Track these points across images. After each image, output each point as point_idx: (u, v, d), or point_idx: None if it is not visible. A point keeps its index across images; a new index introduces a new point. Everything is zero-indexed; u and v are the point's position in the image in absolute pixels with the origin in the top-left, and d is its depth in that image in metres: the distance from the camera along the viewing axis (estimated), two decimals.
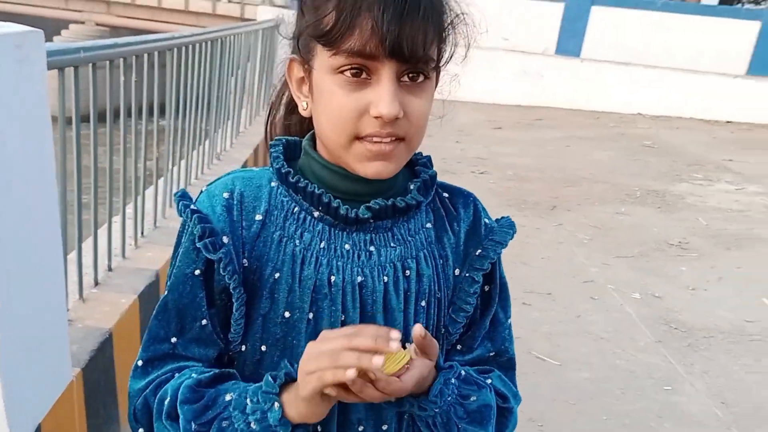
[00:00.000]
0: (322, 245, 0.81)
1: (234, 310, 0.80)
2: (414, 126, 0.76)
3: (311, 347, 0.72)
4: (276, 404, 0.73)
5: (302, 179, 0.81)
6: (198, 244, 0.78)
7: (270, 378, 0.75)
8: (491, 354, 0.91)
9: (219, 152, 4.15)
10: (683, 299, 3.93)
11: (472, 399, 0.82)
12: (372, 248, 0.82)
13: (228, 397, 0.77)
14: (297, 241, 0.81)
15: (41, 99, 1.44)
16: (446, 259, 0.87)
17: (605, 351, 3.27)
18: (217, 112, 3.99)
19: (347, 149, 0.76)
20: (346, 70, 0.73)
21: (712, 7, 12.29)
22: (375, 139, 0.74)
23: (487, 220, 0.90)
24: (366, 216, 0.80)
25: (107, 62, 2.22)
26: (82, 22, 19.09)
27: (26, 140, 1.40)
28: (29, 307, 1.50)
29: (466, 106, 9.70)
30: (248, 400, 0.75)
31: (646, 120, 10.38)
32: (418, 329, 0.73)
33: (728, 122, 10.21)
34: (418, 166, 0.88)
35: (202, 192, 0.85)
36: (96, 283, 2.27)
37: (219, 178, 0.86)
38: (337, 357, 0.68)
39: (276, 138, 0.88)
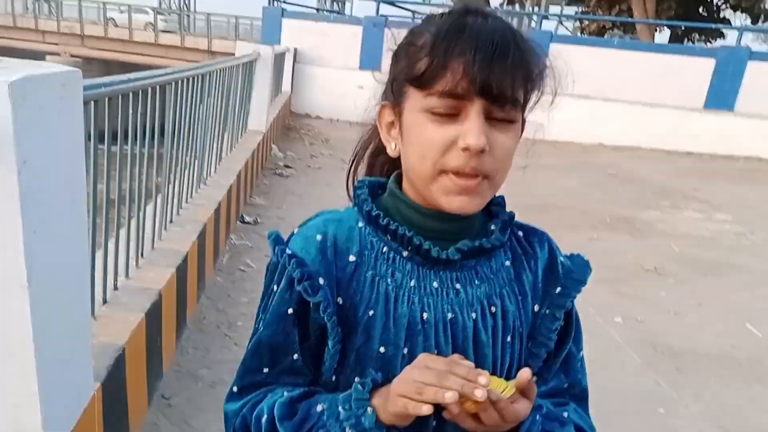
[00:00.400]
0: (412, 283, 0.84)
1: (330, 347, 0.83)
2: (498, 163, 0.78)
3: (408, 371, 0.77)
4: (369, 409, 0.77)
5: (392, 222, 0.85)
6: (297, 288, 0.81)
7: (359, 386, 0.79)
8: (565, 386, 0.93)
9: (205, 177, 4.14)
10: (667, 323, 3.97)
11: None
12: (458, 286, 0.86)
13: (320, 408, 0.82)
14: (389, 280, 0.84)
15: (79, 132, 1.53)
16: (525, 296, 0.89)
17: (595, 374, 3.24)
18: (203, 140, 3.99)
19: (433, 182, 0.79)
20: (437, 110, 0.77)
21: (670, 45, 12.84)
22: (461, 175, 0.77)
23: (562, 259, 0.93)
24: (455, 257, 0.84)
25: (119, 96, 2.28)
26: (58, 54, 19.59)
27: (67, 172, 1.47)
28: (61, 324, 1.51)
29: None
30: (340, 408, 0.79)
31: (608, 150, 10.70)
32: (526, 373, 0.76)
33: (688, 153, 10.59)
34: (493, 206, 0.91)
35: (294, 234, 0.88)
36: (104, 302, 2.25)
37: (310, 220, 0.90)
38: (442, 378, 0.73)
39: (359, 180, 0.92)
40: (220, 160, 4.70)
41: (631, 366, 3.39)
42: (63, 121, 1.41)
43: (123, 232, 2.58)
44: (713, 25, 19.09)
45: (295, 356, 0.85)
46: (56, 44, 20.10)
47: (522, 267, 0.90)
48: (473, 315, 0.85)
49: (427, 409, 0.71)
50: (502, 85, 0.75)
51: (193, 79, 3.45)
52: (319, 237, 0.85)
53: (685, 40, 19.71)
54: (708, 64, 11.01)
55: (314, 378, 0.87)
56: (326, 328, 0.82)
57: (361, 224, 0.87)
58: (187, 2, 40.85)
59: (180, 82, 3.17)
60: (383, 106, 0.87)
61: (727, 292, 4.61)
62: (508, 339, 0.87)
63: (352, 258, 0.85)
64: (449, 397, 0.70)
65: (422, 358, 0.78)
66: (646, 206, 7.07)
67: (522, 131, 0.85)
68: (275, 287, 0.85)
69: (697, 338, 3.81)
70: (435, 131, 0.77)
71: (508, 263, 0.90)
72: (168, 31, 23.31)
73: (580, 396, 0.94)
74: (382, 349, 0.83)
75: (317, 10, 19.06)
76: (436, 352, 0.82)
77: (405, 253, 0.84)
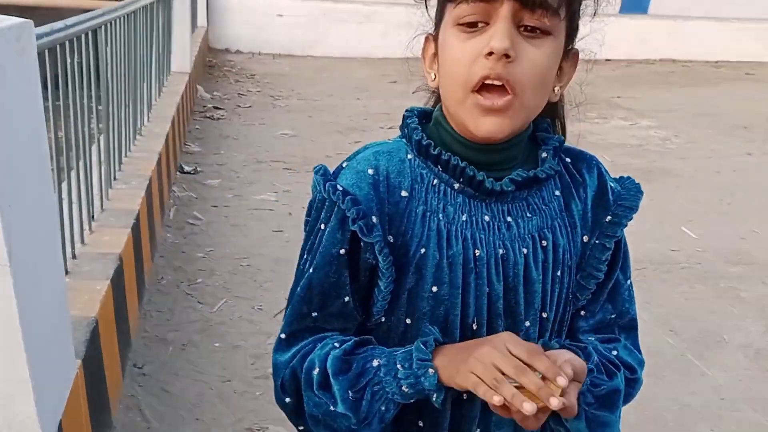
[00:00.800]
0: (464, 218, 0.81)
1: (382, 288, 0.81)
2: (527, 76, 0.73)
3: (488, 350, 0.73)
4: (431, 370, 0.75)
5: (444, 152, 0.80)
6: (353, 227, 0.78)
7: (422, 345, 0.77)
8: (613, 316, 0.91)
9: (140, 127, 3.91)
10: None
11: (602, 387, 0.83)
12: (510, 219, 0.83)
13: (375, 363, 0.79)
14: (440, 215, 0.81)
15: (37, 90, 1.41)
16: (574, 227, 0.86)
17: None
18: (135, 87, 3.76)
19: (463, 104, 0.76)
20: (466, 19, 0.73)
21: None
22: (486, 93, 0.73)
23: (612, 184, 0.89)
24: (510, 189, 0.80)
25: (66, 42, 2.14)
26: None
27: (32, 136, 1.37)
28: (43, 301, 1.42)
29: (356, 61, 9.67)
30: (399, 366, 0.77)
31: None
32: (565, 375, 0.71)
33: (607, 60, 10.77)
34: (539, 132, 0.86)
35: (343, 168, 0.84)
36: (66, 272, 2.11)
37: (359, 152, 0.85)
38: (520, 373, 0.70)
39: (407, 109, 0.87)
40: (150, 107, 4.45)
41: None
42: (22, 79, 1.29)
43: (71, 193, 2.39)
44: None
45: (346, 299, 0.83)
46: None
47: (571, 196, 0.87)
48: (524, 250, 0.83)
49: (498, 401, 0.69)
50: None
51: (122, 19, 3.21)
52: (370, 171, 0.81)
53: None
54: None
55: (363, 320, 0.85)
56: (376, 268, 0.80)
57: (410, 156, 0.83)
58: None
59: (111, 23, 2.94)
60: (427, 38, 0.84)
61: (660, 198, 4.74)
62: (558, 273, 0.85)
63: (404, 193, 0.81)
64: (527, 409, 0.67)
65: (505, 338, 0.75)
66: (575, 119, 7.10)
67: (568, 54, 0.81)
68: (322, 226, 0.81)
69: (639, 246, 3.92)
70: (463, 45, 0.74)
71: (558, 193, 0.86)
72: None
73: (629, 326, 0.92)
74: (434, 289, 0.81)
75: None
76: (487, 290, 0.81)
77: (456, 186, 0.81)
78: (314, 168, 0.83)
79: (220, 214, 4.05)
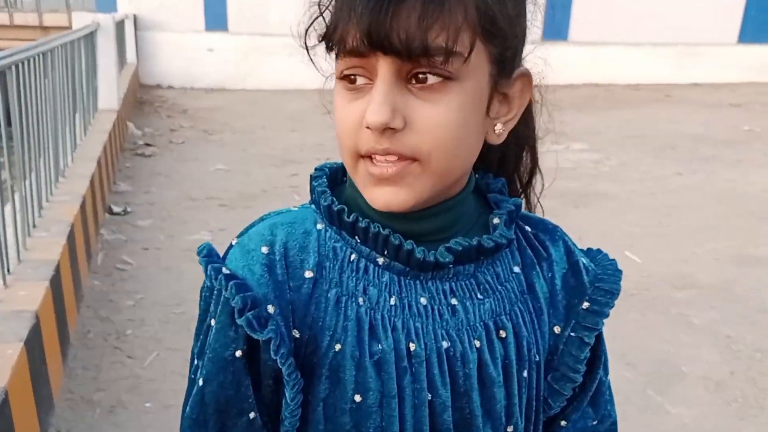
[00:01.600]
0: (392, 302, 0.64)
1: (288, 399, 0.63)
2: (426, 141, 0.57)
3: None
4: None
5: (361, 218, 0.63)
6: (239, 321, 0.61)
7: None
8: (594, 423, 0.75)
9: (62, 169, 3.70)
10: None
11: None
12: (454, 301, 0.65)
13: None
14: (360, 300, 0.63)
15: None
16: (540, 313, 0.69)
17: None
18: (54, 125, 3.57)
19: (355, 171, 0.62)
20: (346, 72, 0.60)
21: None
22: (377, 158, 0.59)
23: (584, 260, 0.72)
24: (447, 260, 0.63)
25: None
26: None
27: None
28: None
29: (289, 93, 9.56)
30: None
31: None
32: None
33: (535, 85, 11.04)
34: (491, 194, 0.70)
35: (232, 246, 0.67)
36: None
37: (252, 226, 0.68)
38: None
39: (317, 168, 0.70)
40: (75, 147, 4.24)
41: None
42: None
43: None
44: None
45: (252, 415, 0.65)
46: None
47: (535, 274, 0.70)
48: (476, 343, 0.65)
49: None
50: (407, 33, 0.54)
51: (35, 59, 3.03)
52: (264, 249, 0.64)
53: None
54: None
55: None
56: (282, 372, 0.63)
57: (320, 226, 0.66)
58: None
59: (21, 64, 2.77)
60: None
61: (599, 222, 4.70)
62: (525, 374, 0.68)
63: (308, 274, 0.64)
64: None
65: None
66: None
67: (509, 81, 0.63)
68: (212, 321, 0.64)
69: None
70: (347, 107, 0.60)
71: (517, 269, 0.69)
72: None
73: None
74: (357, 398, 0.63)
75: None
76: (429, 396, 0.64)
77: (380, 260, 0.64)
78: (198, 249, 0.66)
79: (151, 257, 3.84)
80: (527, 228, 0.72)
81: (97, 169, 4.11)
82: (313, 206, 0.68)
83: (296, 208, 0.69)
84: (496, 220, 0.67)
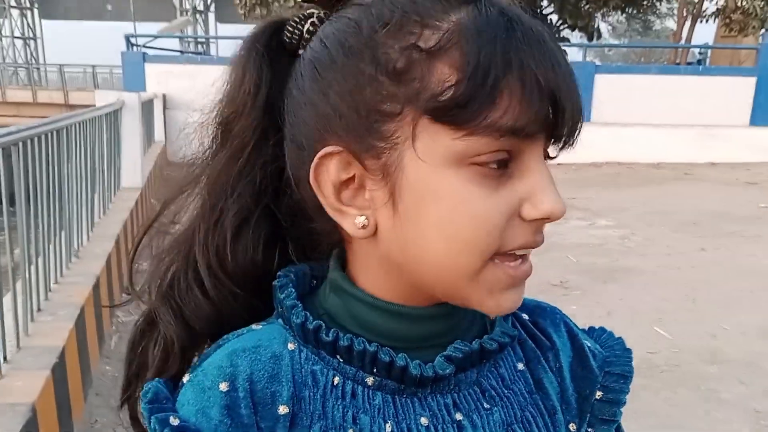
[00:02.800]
0: (388, 429, 0.53)
1: None
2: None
3: None
4: None
5: (342, 334, 0.53)
6: None
7: None
8: None
9: (76, 249, 3.67)
10: None
11: None
12: (459, 416, 0.55)
13: None
14: (351, 431, 0.53)
15: None
16: (553, 413, 0.59)
17: None
18: (69, 203, 3.55)
19: (475, 279, 0.50)
20: (496, 156, 0.47)
21: None
22: (519, 252, 0.50)
23: (588, 344, 0.64)
24: (448, 371, 0.53)
25: None
26: None
27: None
28: None
29: None
30: None
31: None
32: None
33: (559, 164, 11.12)
34: None
35: (183, 385, 0.54)
36: None
37: (206, 356, 0.55)
38: None
39: (281, 273, 0.57)
40: (92, 226, 4.23)
41: None
42: None
43: None
44: (561, 44, 20.56)
45: None
46: None
47: (541, 368, 0.60)
48: None
49: None
50: (577, 111, 0.50)
51: (47, 136, 3.02)
52: (223, 386, 0.52)
53: None
54: None
55: None
56: None
57: (292, 346, 0.54)
58: (35, 54, 38.65)
59: (31, 141, 2.75)
60: (330, 154, 0.50)
61: (628, 297, 4.74)
62: None
63: (283, 410, 0.52)
64: None
65: None
66: None
67: None
68: None
69: None
70: (490, 196, 0.48)
71: (521, 366, 0.60)
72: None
73: None
74: None
75: (181, 52, 18.36)
76: None
77: (370, 380, 0.53)
78: (142, 390, 0.54)
79: None
80: (524, 315, 0.62)
81: (114, 248, 4.08)
82: (280, 321, 0.55)
83: (260, 326, 0.56)
84: (492, 316, 0.58)
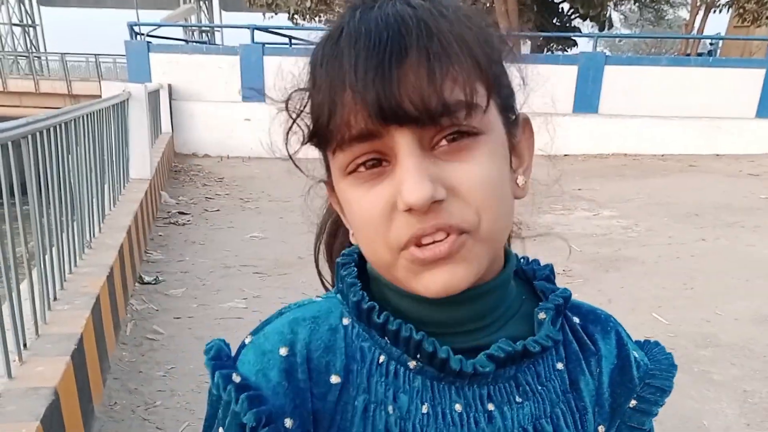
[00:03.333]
0: (424, 410, 0.57)
1: None
2: (474, 203, 0.51)
3: None
4: None
5: (393, 318, 0.57)
6: None
7: None
8: None
9: (89, 240, 3.74)
10: None
11: None
12: (491, 407, 0.58)
13: None
14: (390, 408, 0.57)
15: None
16: (584, 413, 0.62)
17: None
18: (80, 195, 3.62)
19: (395, 267, 0.54)
20: (357, 161, 0.52)
21: (536, 56, 13.56)
22: (425, 240, 0.51)
23: (636, 354, 0.66)
24: (486, 369, 0.56)
25: None
26: None
27: None
28: None
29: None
30: None
31: None
32: None
33: (565, 155, 11.16)
34: (538, 280, 0.64)
35: (245, 345, 0.60)
36: None
37: (268, 321, 0.61)
38: None
39: (344, 253, 0.63)
40: (103, 217, 4.30)
41: None
42: None
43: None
44: (572, 34, 20.40)
45: None
46: None
47: (580, 370, 0.62)
48: None
49: None
50: (421, 94, 0.48)
51: (55, 128, 3.06)
52: (283, 350, 0.57)
53: (545, 50, 20.89)
54: (572, 71, 11.68)
55: None
56: None
57: (346, 321, 0.59)
58: (35, 43, 38.21)
59: (39, 133, 2.79)
60: (327, 186, 0.62)
61: (628, 285, 4.84)
62: None
63: (335, 379, 0.57)
64: None
65: None
66: (541, 211, 7.26)
67: (515, 126, 0.58)
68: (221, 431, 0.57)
69: None
70: (367, 199, 0.52)
71: (560, 366, 0.62)
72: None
73: None
74: None
75: (186, 41, 18.18)
76: None
77: (412, 364, 0.57)
78: (205, 347, 0.60)
79: (183, 327, 3.83)
80: (575, 319, 0.64)
81: (126, 238, 4.15)
82: (339, 296, 0.61)
83: (320, 299, 0.62)
84: (542, 315, 0.60)
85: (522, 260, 0.66)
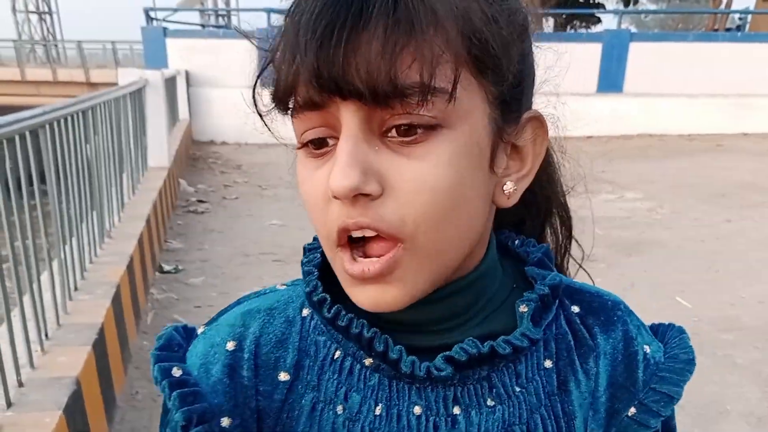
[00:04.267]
0: (377, 411, 0.51)
1: None
2: (410, 209, 0.44)
3: None
4: None
5: (345, 313, 0.51)
6: None
7: None
8: None
9: (108, 230, 3.75)
10: None
11: None
12: (457, 410, 0.51)
13: None
14: (339, 408, 0.51)
15: None
16: (571, 417, 0.53)
17: None
18: (99, 184, 3.63)
19: (334, 263, 0.49)
20: (308, 135, 0.47)
21: (559, 33, 13.33)
22: (357, 251, 0.46)
23: (648, 349, 0.56)
24: (443, 374, 0.49)
25: None
26: None
27: None
28: None
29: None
30: None
31: None
32: None
33: (588, 137, 11.01)
34: (530, 265, 0.55)
35: (198, 334, 0.55)
36: (9, 405, 1.88)
37: (226, 310, 0.57)
38: None
39: (315, 237, 0.57)
40: (122, 206, 4.31)
41: None
42: None
43: (16, 312, 2.19)
44: (596, 11, 20.07)
45: None
46: None
47: (571, 369, 0.54)
48: None
49: None
50: (369, 62, 0.41)
51: (72, 117, 3.05)
52: (230, 345, 0.52)
53: (568, 27, 20.59)
54: (596, 49, 11.48)
55: None
56: None
57: (306, 312, 0.54)
58: (51, 30, 38.22)
59: (57, 122, 2.78)
60: None
61: (651, 269, 4.77)
62: None
63: (283, 376, 0.52)
64: None
65: None
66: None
67: (517, 126, 0.50)
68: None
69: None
70: (309, 181, 0.47)
71: (549, 364, 0.53)
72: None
73: None
74: None
75: (202, 26, 18.06)
76: None
77: (368, 361, 0.51)
78: (156, 337, 0.55)
79: (203, 315, 3.81)
80: (574, 308, 0.56)
81: (146, 227, 4.15)
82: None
83: (284, 287, 0.57)
84: (523, 308, 0.52)
85: (517, 241, 0.58)
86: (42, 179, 2.61)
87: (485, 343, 0.50)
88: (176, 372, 0.52)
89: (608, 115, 11.29)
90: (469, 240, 0.49)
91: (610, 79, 11.58)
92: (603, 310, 0.57)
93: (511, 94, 0.48)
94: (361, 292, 0.47)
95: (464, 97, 0.44)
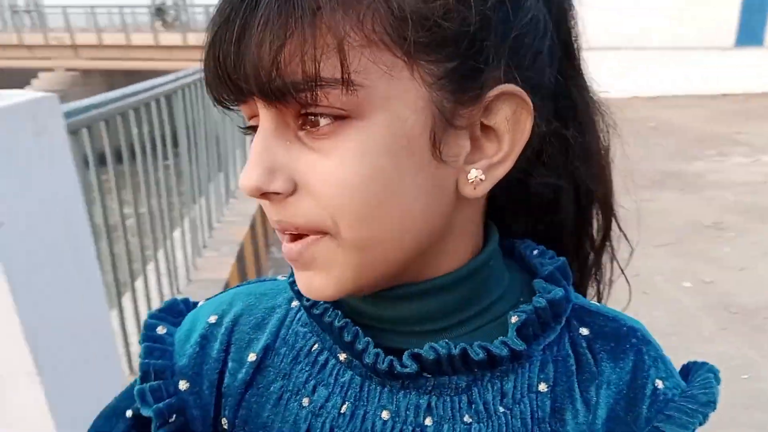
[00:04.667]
0: (343, 410, 0.48)
1: None
2: (324, 206, 0.41)
3: None
4: None
5: (321, 303, 0.49)
6: (135, 390, 0.51)
7: None
8: None
9: (233, 190, 3.97)
10: (735, 281, 3.77)
11: None
12: (429, 421, 0.47)
13: None
14: (305, 400, 0.49)
15: (68, 174, 1.23)
16: None
17: (674, 347, 3.10)
18: (225, 146, 3.84)
19: None
20: (248, 125, 0.46)
21: None
22: (284, 240, 0.44)
23: (660, 383, 0.49)
24: (407, 370, 0.45)
25: (116, 117, 2.03)
26: (52, 69, 18.25)
27: (58, 221, 1.21)
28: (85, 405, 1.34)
29: None
30: None
31: (643, 102, 10.31)
32: None
33: (723, 95, 10.20)
34: (539, 278, 0.50)
35: (196, 304, 0.58)
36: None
37: (229, 289, 0.58)
38: None
39: None
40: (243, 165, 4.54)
41: (707, 332, 3.22)
42: (43, 162, 1.13)
43: (150, 266, 2.38)
44: None
45: None
46: (48, 58, 18.15)
47: (568, 398, 0.48)
48: None
49: None
50: (255, 63, 0.38)
51: (202, 82, 3.25)
52: (212, 318, 0.54)
53: None
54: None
55: None
56: None
57: (295, 303, 0.53)
58: None
59: (188, 87, 2.95)
60: None
61: None
62: None
63: (251, 357, 0.51)
64: None
65: None
66: (693, 158, 6.80)
67: (466, 112, 0.42)
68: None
69: (760, 294, 3.61)
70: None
71: (543, 387, 0.47)
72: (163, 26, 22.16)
73: None
74: None
75: None
76: None
77: (342, 356, 0.49)
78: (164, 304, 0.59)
79: None
80: (583, 331, 0.50)
81: None
82: None
83: (283, 278, 0.56)
84: (514, 318, 0.47)
85: (535, 251, 0.52)
86: (174, 143, 2.81)
87: (457, 345, 0.45)
88: (160, 330, 0.54)
89: (747, 71, 10.38)
90: (416, 235, 0.44)
91: (750, 32, 10.59)
92: (615, 335, 0.50)
93: (464, 70, 0.41)
94: (297, 277, 0.46)
95: (381, 84, 0.39)
